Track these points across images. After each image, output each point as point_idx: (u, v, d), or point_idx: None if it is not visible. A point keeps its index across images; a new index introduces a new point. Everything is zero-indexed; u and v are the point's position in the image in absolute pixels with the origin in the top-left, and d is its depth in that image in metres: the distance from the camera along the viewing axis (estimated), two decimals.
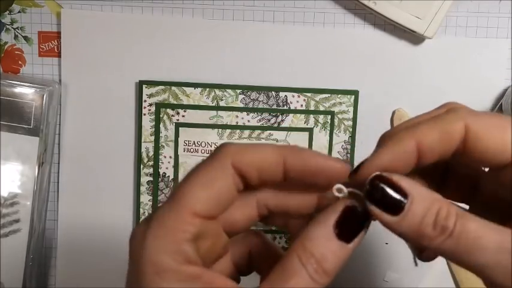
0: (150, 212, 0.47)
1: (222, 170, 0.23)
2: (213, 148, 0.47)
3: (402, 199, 0.21)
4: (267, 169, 0.23)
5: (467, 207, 0.27)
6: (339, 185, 0.23)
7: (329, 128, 0.47)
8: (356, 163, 0.24)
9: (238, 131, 0.47)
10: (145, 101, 0.47)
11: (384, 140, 0.24)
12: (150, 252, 0.21)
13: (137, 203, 0.48)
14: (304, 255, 0.21)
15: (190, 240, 0.22)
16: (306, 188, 0.25)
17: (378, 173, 0.22)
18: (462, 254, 0.21)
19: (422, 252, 0.27)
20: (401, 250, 0.48)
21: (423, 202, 0.21)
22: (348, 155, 0.47)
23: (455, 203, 0.23)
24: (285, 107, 0.47)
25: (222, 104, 0.47)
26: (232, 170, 0.23)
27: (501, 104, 0.46)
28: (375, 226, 0.53)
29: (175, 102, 0.47)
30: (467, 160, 0.23)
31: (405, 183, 0.22)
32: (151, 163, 0.47)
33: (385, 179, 0.22)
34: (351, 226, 0.22)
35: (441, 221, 0.21)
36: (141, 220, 0.23)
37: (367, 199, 0.22)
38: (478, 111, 0.23)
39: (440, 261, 0.48)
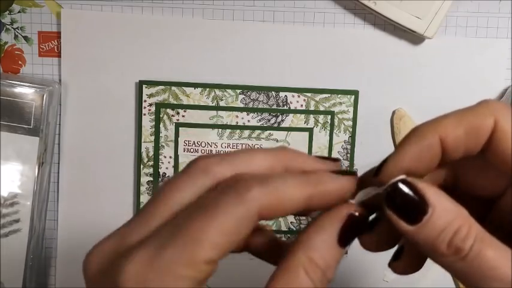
0: None
1: (248, 220, 0.20)
2: (212, 148, 0.47)
3: (423, 208, 0.20)
4: (292, 211, 0.21)
5: None
6: (353, 202, 0.22)
7: (329, 128, 0.47)
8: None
9: (238, 131, 0.47)
10: (145, 101, 0.47)
11: (408, 135, 0.22)
12: None
13: (137, 203, 0.48)
14: (310, 266, 0.20)
15: (200, 283, 0.20)
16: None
17: (402, 177, 0.21)
18: (472, 280, 0.20)
19: (396, 260, 0.25)
20: None
21: (444, 216, 0.20)
22: (348, 155, 0.47)
23: None
24: (285, 107, 0.47)
25: (222, 104, 0.47)
26: (257, 218, 0.20)
27: None
28: None
29: (175, 102, 0.47)
30: (491, 161, 0.21)
31: (430, 192, 0.20)
32: (151, 163, 0.47)
33: (409, 184, 0.20)
34: (352, 233, 0.21)
35: (457, 241, 0.20)
36: (131, 260, 0.19)
37: (385, 203, 0.21)
38: None
39: None
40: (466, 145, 0.21)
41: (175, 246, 0.19)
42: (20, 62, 0.47)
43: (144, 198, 0.47)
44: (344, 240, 0.21)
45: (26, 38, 0.47)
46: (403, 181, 0.21)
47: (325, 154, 0.47)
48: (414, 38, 0.47)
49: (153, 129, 0.47)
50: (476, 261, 0.19)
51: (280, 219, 0.48)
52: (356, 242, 0.23)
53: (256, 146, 0.47)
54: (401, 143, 0.22)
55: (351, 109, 0.47)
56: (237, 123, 0.47)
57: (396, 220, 0.20)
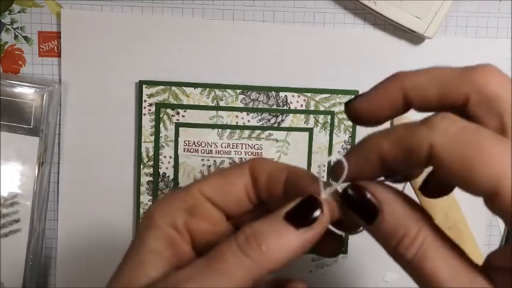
0: None
1: (239, 169, 0.25)
2: (213, 148, 0.47)
3: (376, 211, 0.21)
4: (274, 179, 0.24)
5: None
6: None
7: (329, 128, 0.47)
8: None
9: (238, 131, 0.47)
10: (145, 101, 0.47)
11: (358, 143, 0.24)
12: (151, 211, 0.24)
13: (137, 203, 0.48)
14: (246, 238, 0.21)
15: (185, 210, 0.23)
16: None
17: (356, 182, 0.22)
18: (418, 283, 0.21)
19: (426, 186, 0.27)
20: None
21: (391, 222, 0.21)
22: None
23: None
24: (285, 107, 0.47)
25: (222, 104, 0.47)
26: (248, 173, 0.25)
27: None
28: None
29: (175, 102, 0.47)
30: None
31: (380, 196, 0.21)
32: (151, 163, 0.47)
33: (361, 188, 0.22)
34: (301, 212, 0.21)
35: (400, 249, 0.20)
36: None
37: (344, 204, 0.22)
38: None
39: None
40: (405, 162, 0.21)
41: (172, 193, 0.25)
42: (20, 62, 0.47)
43: (144, 198, 0.47)
44: (291, 217, 0.21)
45: (26, 38, 0.47)
46: (355, 185, 0.22)
47: (325, 154, 0.47)
48: (414, 38, 0.47)
49: (153, 129, 0.47)
50: (418, 269, 0.20)
51: None
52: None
53: (256, 146, 0.47)
54: (353, 151, 0.23)
55: None
56: (237, 123, 0.47)
57: (357, 219, 0.22)
